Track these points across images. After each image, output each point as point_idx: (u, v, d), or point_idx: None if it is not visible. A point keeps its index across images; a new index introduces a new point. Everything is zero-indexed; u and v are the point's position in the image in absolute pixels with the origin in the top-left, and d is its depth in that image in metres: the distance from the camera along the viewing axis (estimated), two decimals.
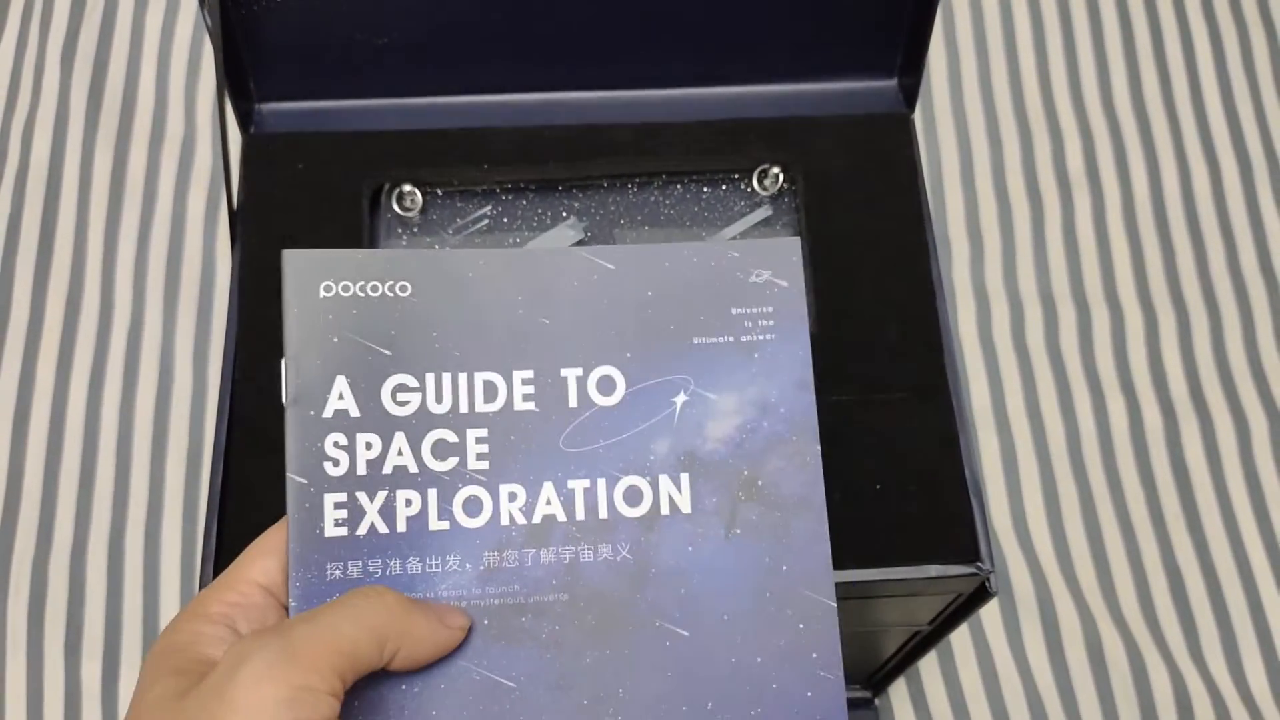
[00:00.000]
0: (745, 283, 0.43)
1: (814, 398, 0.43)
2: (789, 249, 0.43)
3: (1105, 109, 0.87)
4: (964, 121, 0.87)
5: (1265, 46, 0.91)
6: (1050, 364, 0.82)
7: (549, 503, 0.41)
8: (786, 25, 0.63)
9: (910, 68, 0.64)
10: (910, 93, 0.64)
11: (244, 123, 0.62)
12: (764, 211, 0.61)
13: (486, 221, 0.61)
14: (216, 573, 0.51)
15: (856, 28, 0.64)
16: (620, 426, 0.42)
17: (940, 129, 0.87)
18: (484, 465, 0.41)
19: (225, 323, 0.59)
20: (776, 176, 0.61)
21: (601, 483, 0.41)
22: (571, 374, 0.42)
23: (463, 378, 0.41)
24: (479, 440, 0.41)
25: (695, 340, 0.43)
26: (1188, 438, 0.83)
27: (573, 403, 0.42)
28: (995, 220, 0.86)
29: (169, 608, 0.77)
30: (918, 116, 0.66)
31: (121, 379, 0.77)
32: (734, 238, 0.61)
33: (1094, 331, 0.82)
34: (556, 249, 0.47)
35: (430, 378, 0.41)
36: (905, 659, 0.67)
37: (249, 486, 0.53)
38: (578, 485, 0.41)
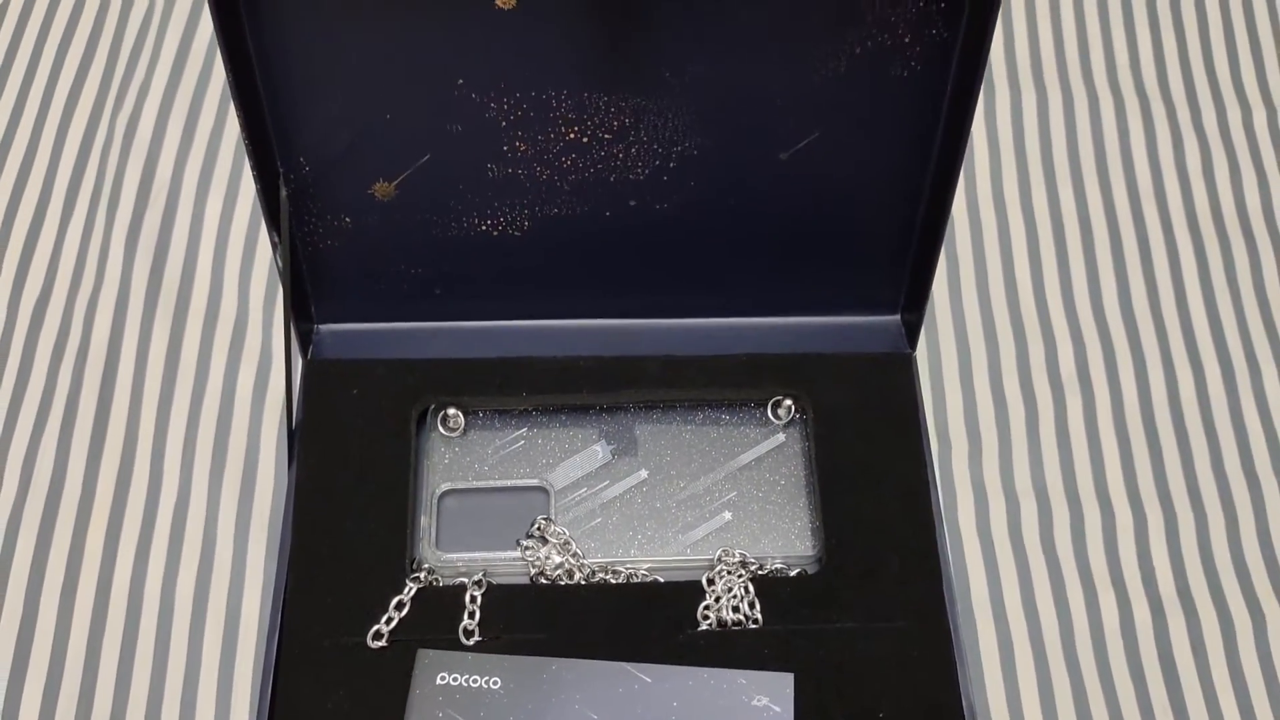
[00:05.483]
0: (748, 705, 0.55)
1: None
2: (783, 682, 0.56)
3: (1095, 316, 0.93)
4: (962, 324, 0.93)
5: (1245, 257, 0.97)
6: (1045, 558, 0.86)
7: None
8: (796, 263, 0.70)
9: (913, 305, 0.70)
10: (913, 329, 0.70)
11: (304, 344, 0.69)
12: (778, 439, 0.67)
13: (522, 443, 0.66)
14: None
15: (861, 265, 0.70)
16: None
17: (940, 330, 0.92)
18: None
19: (270, 515, 0.63)
20: (789, 408, 0.66)
21: None
22: None
23: None
24: None
25: None
26: (1175, 633, 0.86)
27: None
28: (992, 418, 0.90)
29: None
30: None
31: (166, 552, 0.81)
32: (749, 463, 0.66)
33: (1085, 527, 0.86)
34: (610, 664, 0.58)
35: None
36: None
37: (297, 707, 0.58)
38: None
